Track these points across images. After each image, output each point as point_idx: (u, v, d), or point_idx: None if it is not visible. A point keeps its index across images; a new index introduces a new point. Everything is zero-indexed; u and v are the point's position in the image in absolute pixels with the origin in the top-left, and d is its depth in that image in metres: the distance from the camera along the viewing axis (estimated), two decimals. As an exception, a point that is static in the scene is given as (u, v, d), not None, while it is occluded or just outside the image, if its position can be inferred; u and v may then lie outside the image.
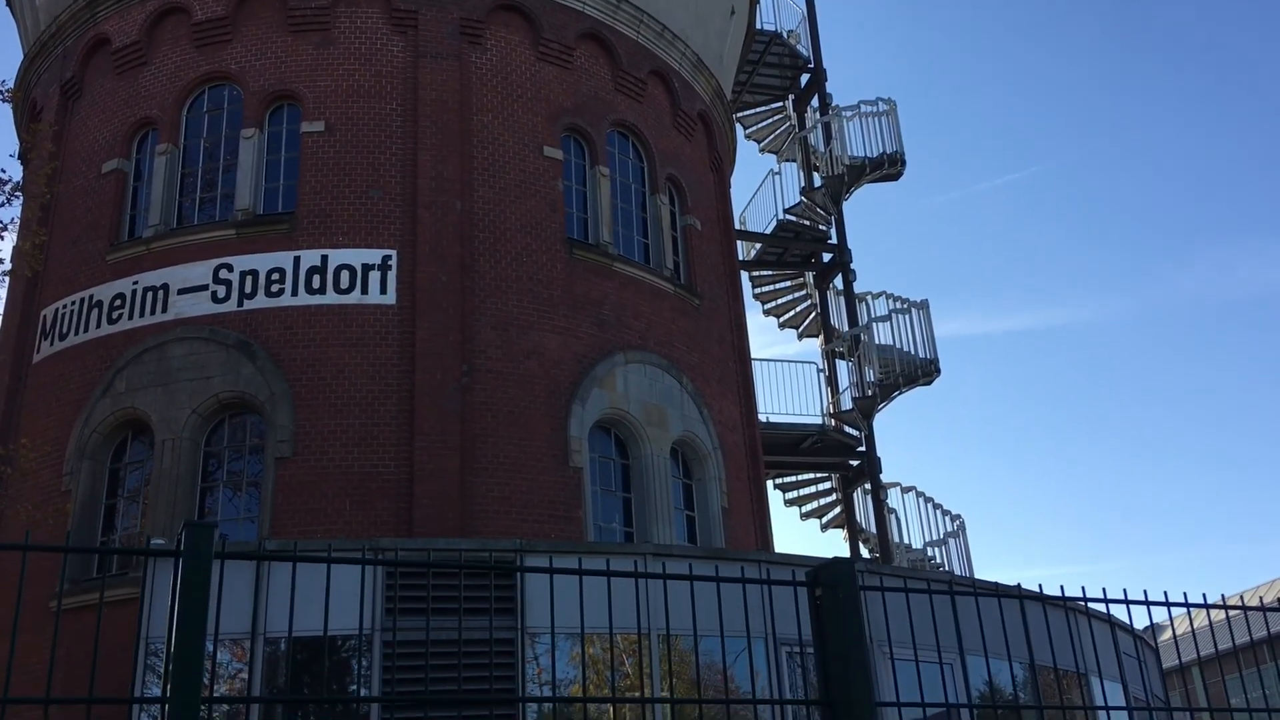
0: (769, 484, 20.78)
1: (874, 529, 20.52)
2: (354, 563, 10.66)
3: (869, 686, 2.79)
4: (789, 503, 22.55)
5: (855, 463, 21.47)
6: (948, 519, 20.26)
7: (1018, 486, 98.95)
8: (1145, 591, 3.76)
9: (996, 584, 11.81)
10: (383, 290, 15.15)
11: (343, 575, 11.53)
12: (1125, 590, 3.71)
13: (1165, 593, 3.90)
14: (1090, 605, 3.70)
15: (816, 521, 22.60)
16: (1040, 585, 4.07)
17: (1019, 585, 4.02)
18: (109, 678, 11.70)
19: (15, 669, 13.17)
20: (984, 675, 12.51)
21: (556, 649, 11.11)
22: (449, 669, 10.24)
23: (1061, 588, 3.96)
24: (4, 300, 16.56)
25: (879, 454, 21.01)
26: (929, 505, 20.28)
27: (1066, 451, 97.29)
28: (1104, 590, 3.63)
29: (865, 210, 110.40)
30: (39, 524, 13.33)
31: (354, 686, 11.06)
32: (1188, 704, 13.22)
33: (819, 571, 2.93)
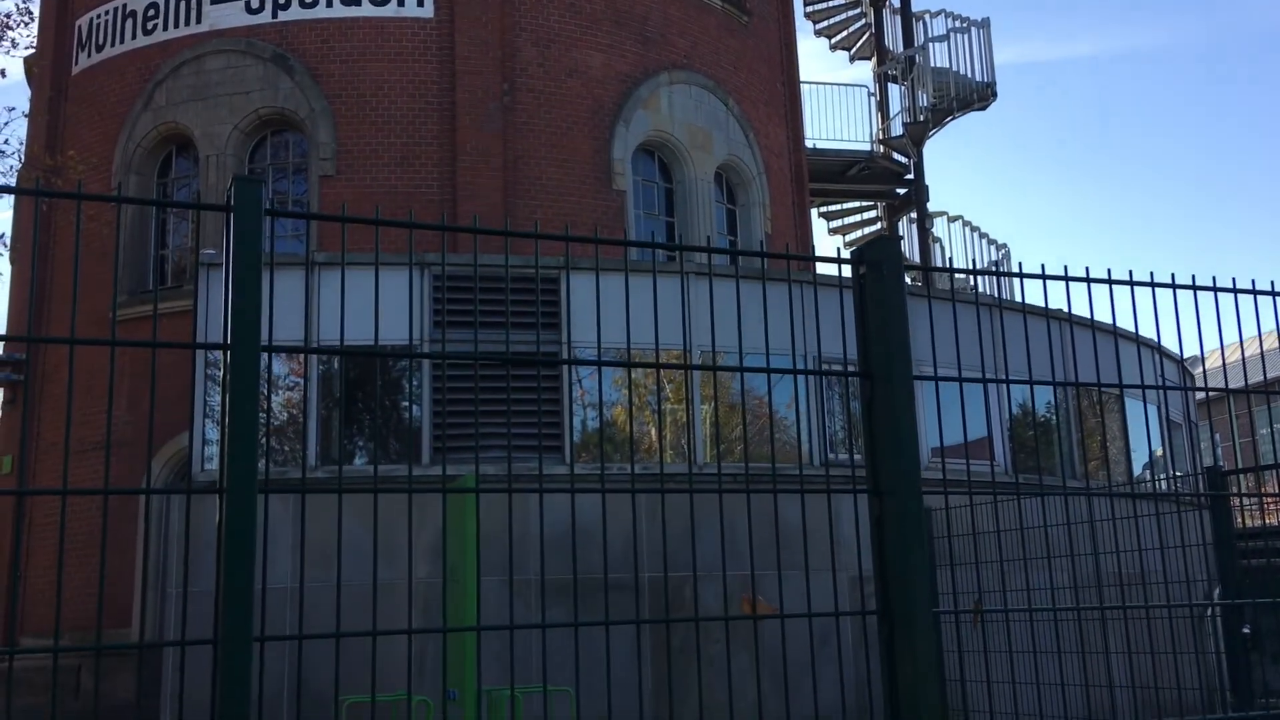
0: (813, 211, 20.61)
1: (918, 258, 20.43)
2: (401, 265, 10.73)
3: (907, 361, 2.83)
4: (833, 231, 22.42)
5: (902, 191, 21.13)
6: (993, 248, 20.10)
7: (1069, 221, 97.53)
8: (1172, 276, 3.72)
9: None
10: (419, 2, 14.67)
11: (391, 289, 11.75)
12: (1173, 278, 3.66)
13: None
14: (1137, 336, 3.65)
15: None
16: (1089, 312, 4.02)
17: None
18: (167, 385, 12.24)
19: (80, 372, 13.68)
20: (1020, 398, 12.76)
21: (600, 370, 11.40)
22: (498, 378, 10.57)
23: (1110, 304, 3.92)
24: (39, 6, 16.22)
25: (926, 182, 20.62)
26: (975, 234, 20.08)
27: (1123, 188, 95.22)
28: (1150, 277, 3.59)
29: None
30: (92, 235, 13.60)
31: (404, 399, 11.51)
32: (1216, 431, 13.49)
33: (864, 250, 2.92)
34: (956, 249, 20.20)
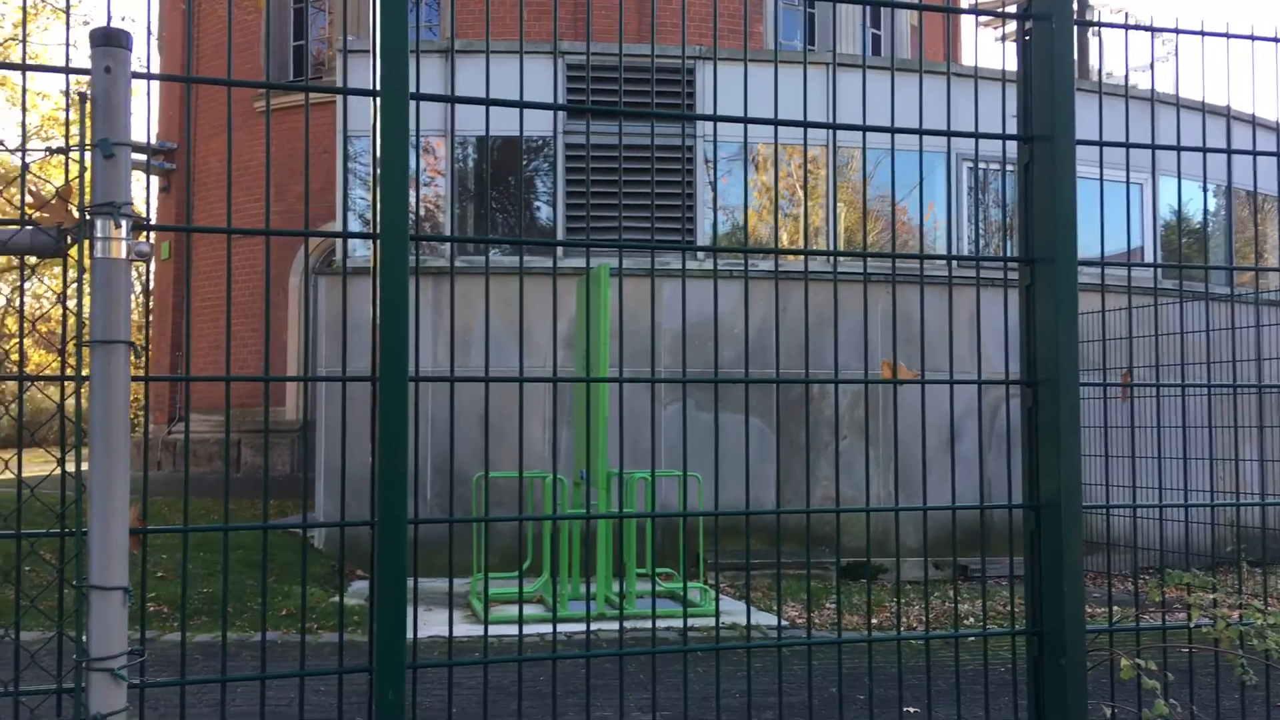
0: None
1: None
2: (544, 54, 10.60)
3: (1071, 120, 2.69)
4: (984, 24, 21.18)
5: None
6: (1158, 41, 18.74)
7: (1241, 7, 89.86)
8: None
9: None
10: None
11: (527, 80, 11.61)
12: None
13: None
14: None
15: (1011, 45, 21.26)
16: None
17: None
18: (312, 176, 12.54)
19: (218, 162, 14.08)
20: (1172, 202, 12.13)
21: (730, 174, 11.22)
22: (630, 172, 10.52)
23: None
24: None
25: (1089, -31, 19.16)
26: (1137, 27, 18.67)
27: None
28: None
29: None
30: (237, 23, 13.73)
31: (541, 193, 11.57)
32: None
33: (1032, 2, 2.73)
34: (1117, 41, 18.86)
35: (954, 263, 10.53)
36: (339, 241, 11.18)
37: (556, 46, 2.93)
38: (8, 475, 2.37)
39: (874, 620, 7.76)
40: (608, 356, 7.96)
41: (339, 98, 10.36)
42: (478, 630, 7.07)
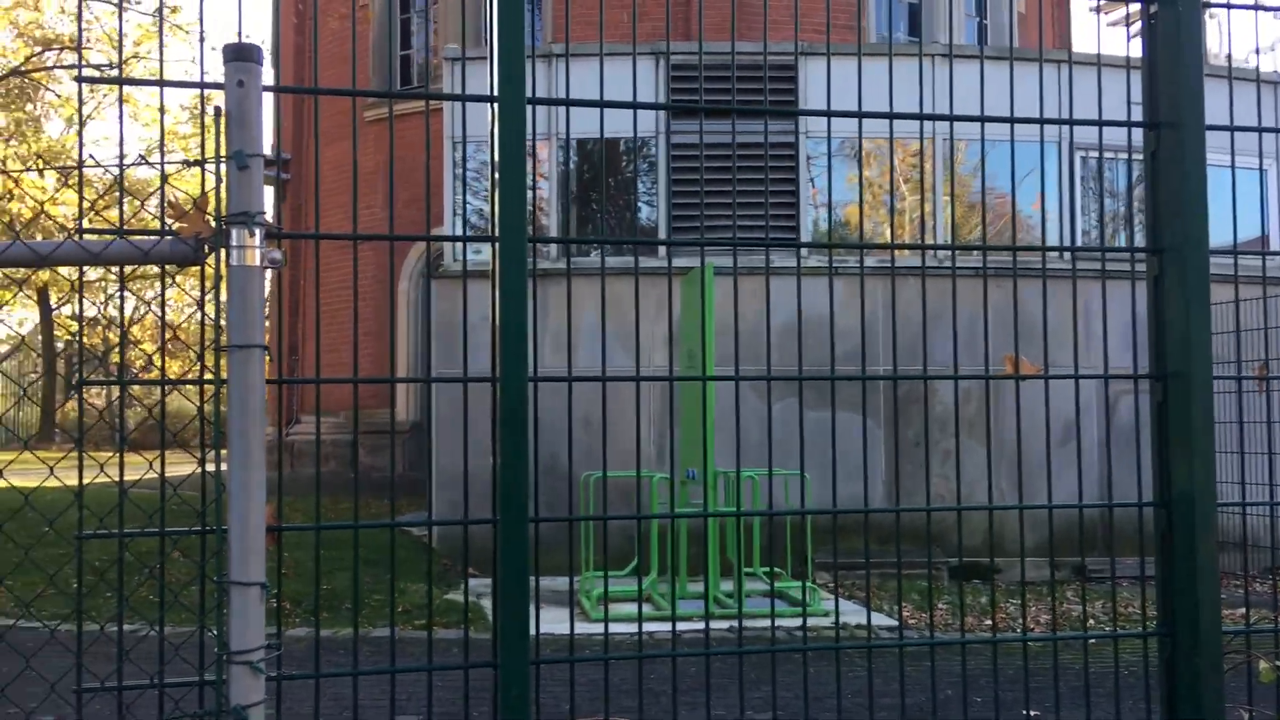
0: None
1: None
2: (644, 55, 10.68)
3: (1200, 105, 2.60)
4: (1093, 9, 20.57)
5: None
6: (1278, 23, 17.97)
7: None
8: None
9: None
10: None
11: (626, 81, 11.66)
12: None
13: None
14: None
15: (1124, 30, 20.64)
16: None
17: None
18: (416, 184, 12.81)
19: (328, 170, 14.42)
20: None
21: (832, 170, 11.11)
22: (729, 170, 10.50)
23: None
24: None
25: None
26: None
27: None
28: None
29: None
30: (343, 37, 14.09)
31: (642, 193, 11.61)
32: None
33: (1158, -16, 2.66)
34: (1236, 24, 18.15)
35: (1074, 255, 10.27)
36: (447, 246, 11.39)
37: (667, 47, 2.94)
38: (150, 475, 2.47)
39: (989, 621, 7.61)
40: (713, 355, 7.95)
41: (445, 105, 10.54)
42: (586, 628, 7.14)
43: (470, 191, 11.01)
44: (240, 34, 2.53)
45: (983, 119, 2.82)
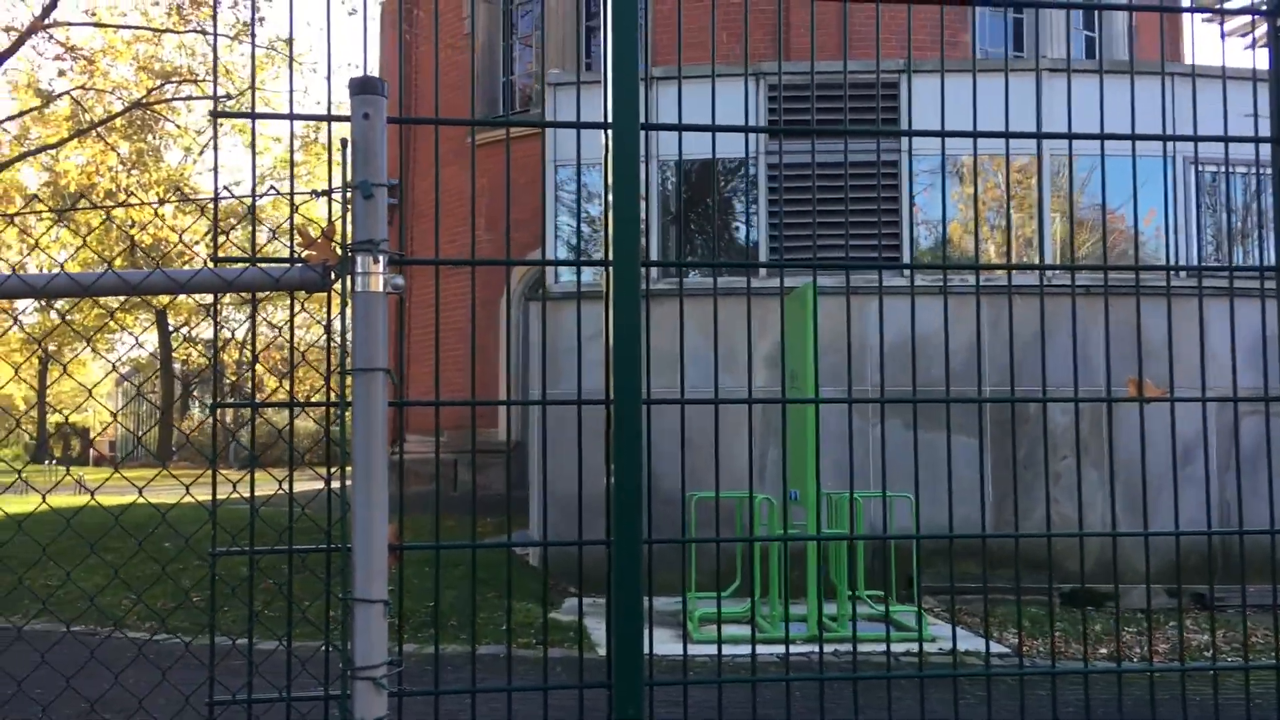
0: (1184, -2, 18.41)
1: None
2: (737, 75, 10.72)
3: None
4: (1208, 19, 19.98)
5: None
6: None
7: None
8: None
9: None
10: None
11: (724, 102, 11.71)
12: None
13: None
14: None
15: (1238, 41, 19.96)
16: None
17: None
18: (518, 209, 12.98)
19: (427, 195, 14.88)
20: None
21: (932, 188, 10.96)
22: (834, 189, 10.43)
23: None
24: None
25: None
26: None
27: None
28: None
29: None
30: (447, 66, 14.41)
31: (740, 210, 11.61)
32: None
33: (1288, -5, 2.58)
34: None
35: (1185, 273, 9.96)
36: (548, 268, 11.54)
37: (777, 70, 2.95)
38: (279, 494, 2.55)
39: (1103, 650, 7.39)
40: (816, 376, 7.90)
41: (545, 130, 10.70)
42: (691, 649, 7.12)
43: (569, 213, 11.14)
44: (365, 67, 2.61)
45: (1102, 136, 2.77)
